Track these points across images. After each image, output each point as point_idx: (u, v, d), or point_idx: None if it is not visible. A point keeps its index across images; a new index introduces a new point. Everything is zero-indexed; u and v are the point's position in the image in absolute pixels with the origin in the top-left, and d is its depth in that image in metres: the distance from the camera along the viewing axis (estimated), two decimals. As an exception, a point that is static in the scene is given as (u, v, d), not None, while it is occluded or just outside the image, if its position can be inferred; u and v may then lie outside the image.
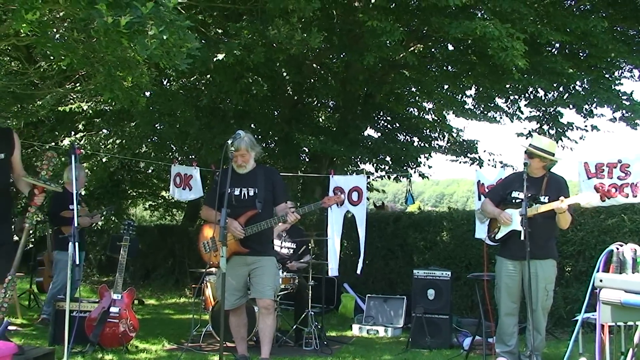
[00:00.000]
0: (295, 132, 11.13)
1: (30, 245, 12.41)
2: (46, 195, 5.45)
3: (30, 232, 5.68)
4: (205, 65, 8.42)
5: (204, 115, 11.19)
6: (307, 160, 12.85)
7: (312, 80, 12.17)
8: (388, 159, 12.59)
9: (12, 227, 4.94)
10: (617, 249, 3.72)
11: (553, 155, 5.64)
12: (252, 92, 10.55)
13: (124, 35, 4.47)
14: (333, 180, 8.38)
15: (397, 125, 13.99)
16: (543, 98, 12.24)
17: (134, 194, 18.21)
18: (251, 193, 5.38)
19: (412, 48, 9.66)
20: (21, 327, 7.65)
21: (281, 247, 7.67)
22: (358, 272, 8.37)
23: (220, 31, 9.84)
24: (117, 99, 6.36)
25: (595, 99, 11.33)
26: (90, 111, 9.58)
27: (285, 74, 11.46)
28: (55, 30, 5.47)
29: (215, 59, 8.24)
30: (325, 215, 8.22)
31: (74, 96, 9.38)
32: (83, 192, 8.66)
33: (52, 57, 6.70)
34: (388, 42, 8.88)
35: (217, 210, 5.07)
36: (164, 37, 4.30)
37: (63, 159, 9.24)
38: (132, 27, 4.28)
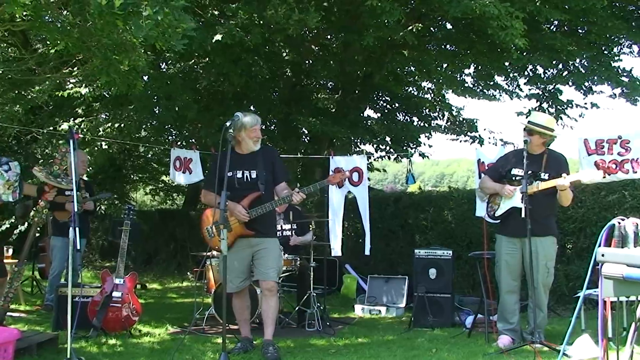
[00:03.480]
0: (295, 114, 11.08)
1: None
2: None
3: (39, 225, 5.69)
4: (202, 47, 8.36)
5: (202, 98, 11.13)
6: (307, 141, 12.80)
7: (310, 62, 12.09)
8: (388, 139, 12.53)
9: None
10: (619, 223, 3.70)
11: (552, 131, 5.63)
12: (252, 73, 10.48)
13: (118, 17, 4.43)
14: (333, 161, 8.35)
15: (397, 105, 13.93)
16: (542, 75, 12.17)
17: (135, 178, 18.20)
18: (253, 175, 5.36)
19: (410, 27, 9.56)
20: (25, 313, 7.67)
21: (282, 231, 7.65)
22: (367, 252, 8.33)
23: (217, 13, 9.75)
24: (114, 83, 6.31)
25: (594, 76, 11.28)
26: (90, 96, 9.52)
27: (284, 54, 11.38)
28: (50, 12, 5.41)
29: (213, 40, 8.18)
30: (326, 196, 8.20)
31: (73, 81, 9.32)
32: (85, 177, 8.61)
33: (48, 42, 6.65)
34: (387, 21, 8.79)
35: (217, 193, 5.06)
36: (159, 18, 4.27)
37: (61, 142, 9.20)
38: (127, 8, 4.25)
